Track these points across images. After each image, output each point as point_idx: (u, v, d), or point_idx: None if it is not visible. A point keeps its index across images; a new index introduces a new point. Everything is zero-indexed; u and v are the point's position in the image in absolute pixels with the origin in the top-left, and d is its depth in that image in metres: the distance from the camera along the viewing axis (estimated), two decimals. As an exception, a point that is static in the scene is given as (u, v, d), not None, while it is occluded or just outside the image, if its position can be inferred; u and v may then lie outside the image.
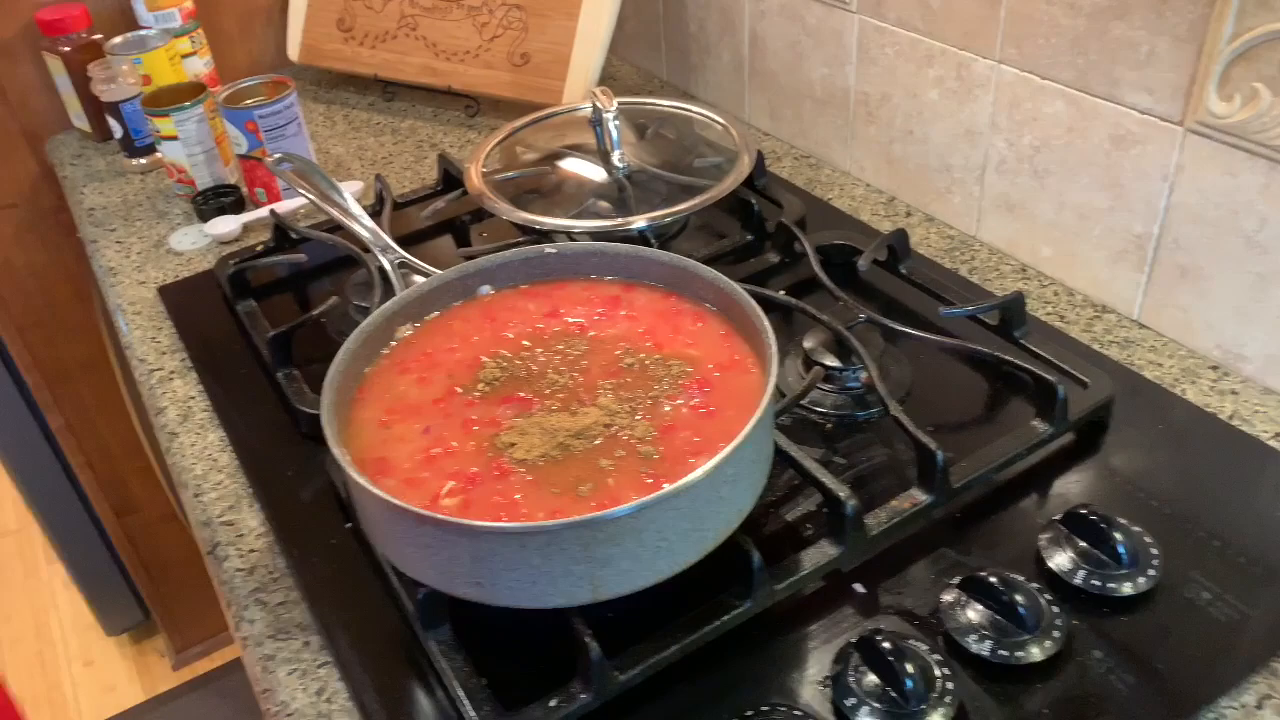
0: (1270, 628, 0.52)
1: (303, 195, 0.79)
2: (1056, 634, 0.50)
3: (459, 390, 0.58)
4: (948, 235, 0.87)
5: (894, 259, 0.78)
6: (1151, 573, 0.53)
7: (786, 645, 0.53)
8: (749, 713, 0.49)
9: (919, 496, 0.58)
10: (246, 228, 0.97)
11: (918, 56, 0.84)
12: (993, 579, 0.52)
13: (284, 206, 0.97)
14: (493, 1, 1.11)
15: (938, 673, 0.49)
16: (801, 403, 0.67)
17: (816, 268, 0.76)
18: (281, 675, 0.55)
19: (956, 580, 0.53)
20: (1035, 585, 0.52)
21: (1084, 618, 0.52)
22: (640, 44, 1.24)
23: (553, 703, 0.48)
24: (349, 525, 0.62)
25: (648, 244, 0.76)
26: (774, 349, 0.53)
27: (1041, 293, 0.79)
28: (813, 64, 0.96)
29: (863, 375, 0.66)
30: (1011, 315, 0.70)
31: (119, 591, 1.59)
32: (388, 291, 0.68)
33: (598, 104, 0.84)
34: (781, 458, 0.58)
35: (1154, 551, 0.55)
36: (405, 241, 0.74)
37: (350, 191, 0.80)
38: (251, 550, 0.63)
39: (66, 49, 1.12)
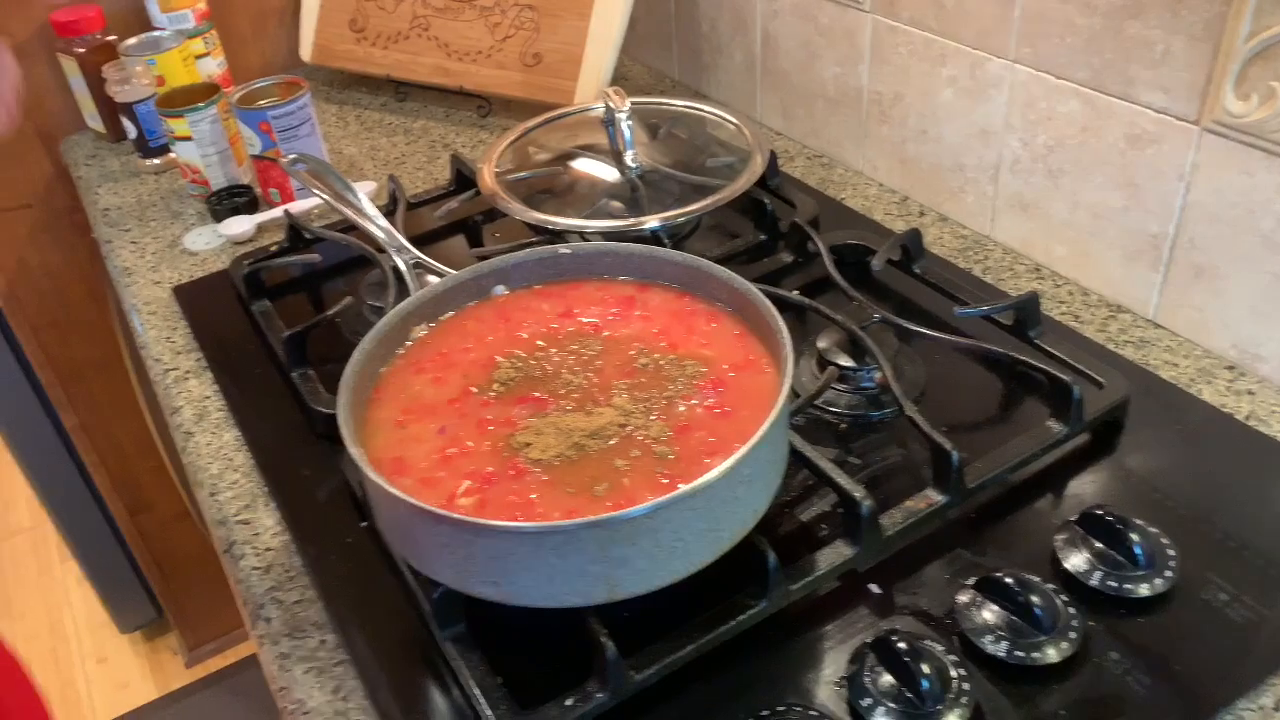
0: (1288, 629, 0.51)
1: (318, 196, 0.80)
2: (1073, 635, 0.50)
3: (474, 390, 0.58)
4: (961, 235, 0.87)
5: (907, 259, 0.78)
6: (1168, 574, 0.53)
7: (802, 645, 0.53)
8: (764, 712, 0.49)
9: (934, 497, 0.58)
10: (260, 228, 0.97)
11: (931, 56, 0.84)
12: (1008, 580, 0.52)
13: (298, 207, 0.97)
14: (505, 2, 1.12)
15: (954, 673, 0.49)
16: (816, 403, 0.67)
17: (830, 267, 0.76)
18: (298, 673, 0.55)
19: (972, 581, 0.53)
20: (1051, 586, 0.52)
21: (1100, 619, 0.52)
22: (652, 44, 1.24)
23: (569, 701, 0.49)
24: (364, 524, 0.62)
25: (661, 244, 0.76)
26: (790, 349, 0.53)
27: (1056, 292, 0.78)
28: (825, 63, 0.96)
29: (877, 375, 0.66)
30: (1026, 315, 0.70)
31: (132, 589, 1.60)
32: (402, 292, 0.68)
33: (610, 104, 0.85)
34: (796, 458, 0.58)
35: (1170, 553, 0.54)
36: (418, 241, 0.74)
37: (364, 192, 0.80)
38: (268, 549, 0.63)
39: (81, 50, 1.12)
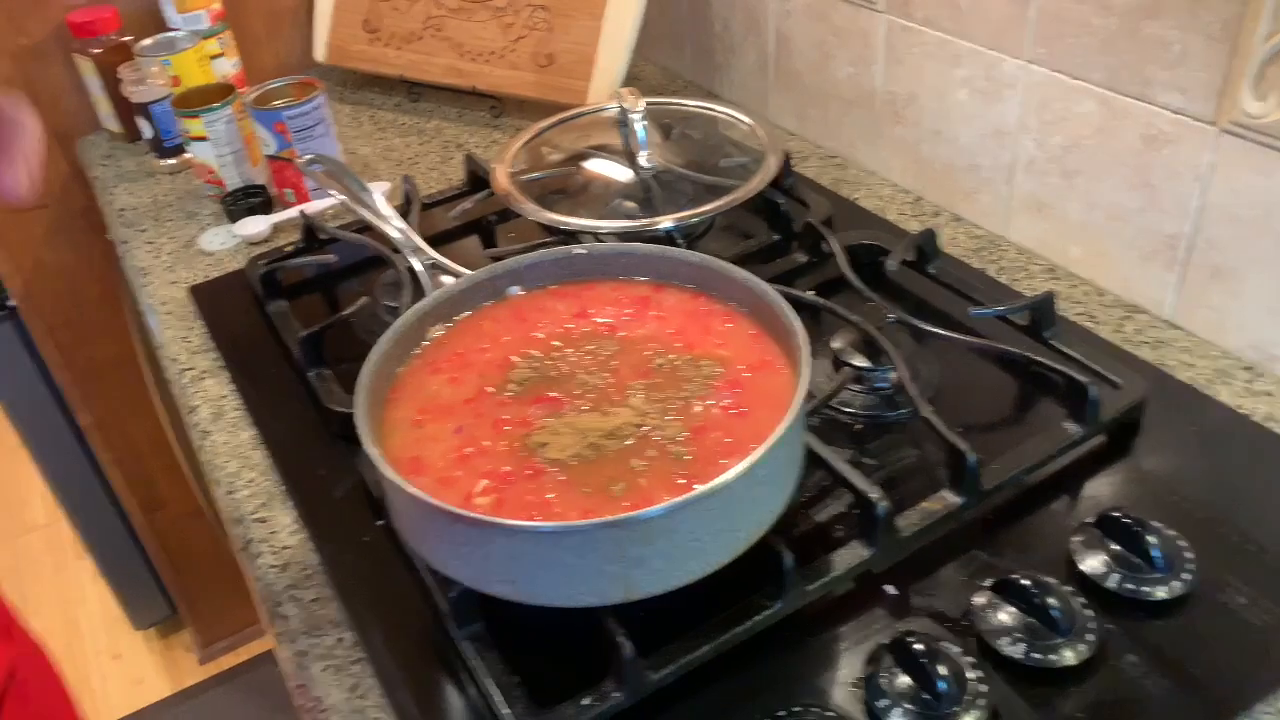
0: (1307, 632, 0.51)
1: (333, 196, 0.80)
2: (1090, 638, 0.50)
3: (490, 390, 0.58)
4: (976, 235, 0.87)
5: (922, 259, 0.78)
6: (1186, 577, 0.53)
7: (818, 646, 0.53)
8: (781, 713, 0.49)
9: (950, 498, 0.58)
10: (276, 228, 0.97)
11: (946, 56, 0.84)
12: (1025, 581, 0.52)
13: (313, 207, 0.98)
14: (518, 2, 1.12)
15: (970, 675, 0.49)
16: (831, 403, 0.67)
17: (845, 268, 0.76)
18: (315, 671, 0.55)
19: (988, 582, 0.53)
20: (1068, 588, 0.52)
21: (1118, 622, 0.52)
22: (664, 44, 1.24)
23: (585, 701, 0.49)
24: (380, 523, 0.62)
25: (675, 244, 0.76)
26: (807, 350, 0.53)
27: (1071, 293, 0.78)
28: (839, 64, 0.96)
29: (892, 376, 0.66)
30: (1041, 315, 0.70)
31: (146, 586, 1.61)
32: (417, 292, 0.69)
33: (624, 104, 0.85)
34: (812, 459, 0.58)
35: (1188, 555, 0.54)
36: (432, 242, 0.74)
37: (379, 192, 0.81)
38: (285, 547, 0.64)
39: (97, 51, 1.13)
